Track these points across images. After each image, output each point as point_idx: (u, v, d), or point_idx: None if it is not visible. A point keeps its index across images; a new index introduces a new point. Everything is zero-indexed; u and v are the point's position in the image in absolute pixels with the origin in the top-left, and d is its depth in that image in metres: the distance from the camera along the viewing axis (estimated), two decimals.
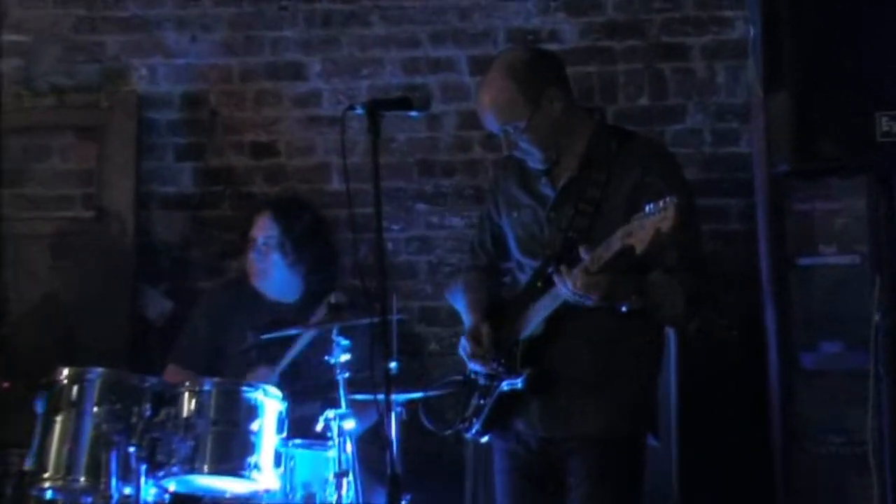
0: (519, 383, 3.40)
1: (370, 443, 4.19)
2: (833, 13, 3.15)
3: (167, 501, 3.86)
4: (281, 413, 3.97)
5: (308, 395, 4.35)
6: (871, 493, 3.32)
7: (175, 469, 3.77)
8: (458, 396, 3.66)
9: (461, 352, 3.56)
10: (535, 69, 3.46)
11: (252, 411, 3.87)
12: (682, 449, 4.41)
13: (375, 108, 3.24)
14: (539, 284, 3.43)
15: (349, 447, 3.93)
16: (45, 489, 3.82)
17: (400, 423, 4.08)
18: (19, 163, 5.31)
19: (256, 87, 5.34)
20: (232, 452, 3.81)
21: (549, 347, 3.41)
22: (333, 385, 4.03)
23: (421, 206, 5.24)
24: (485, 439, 3.62)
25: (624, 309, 3.21)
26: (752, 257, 4.77)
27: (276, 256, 4.60)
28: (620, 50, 5.16)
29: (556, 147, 3.46)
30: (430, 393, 4.02)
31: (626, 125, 4.83)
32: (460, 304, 3.73)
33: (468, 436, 3.61)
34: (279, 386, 4.12)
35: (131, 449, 3.75)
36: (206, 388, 3.87)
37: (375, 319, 3.16)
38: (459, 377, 3.69)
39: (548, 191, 3.51)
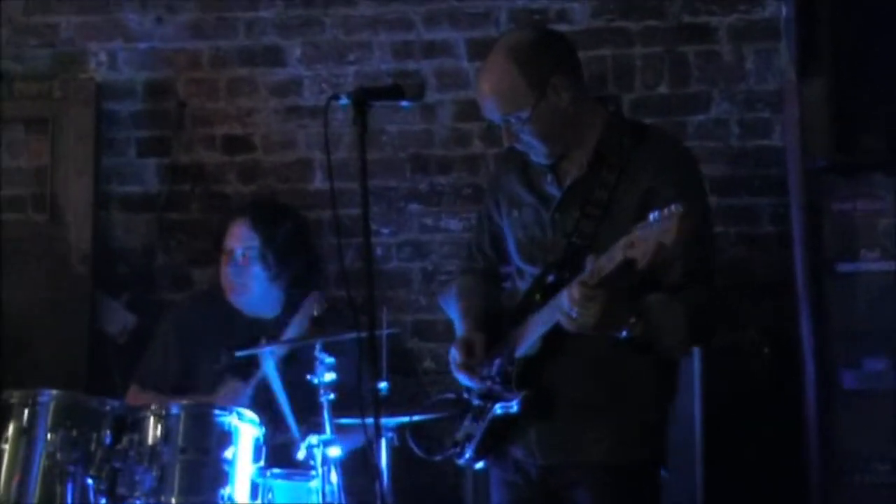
0: (514, 406, 3.39)
1: (358, 472, 4.18)
2: None
3: None
4: (258, 439, 3.96)
5: (288, 418, 4.35)
6: None
7: (138, 503, 3.75)
8: (452, 419, 3.66)
9: (450, 361, 3.56)
10: (540, 52, 3.45)
11: (225, 437, 3.86)
12: (708, 479, 4.41)
13: (363, 98, 3.23)
14: (538, 297, 3.42)
15: (334, 477, 3.93)
16: None
17: (390, 450, 4.08)
18: None
19: (229, 74, 5.35)
20: (202, 483, 3.80)
21: (548, 367, 3.40)
22: (317, 408, 4.02)
23: (414, 207, 5.24)
24: (479, 465, 3.62)
25: (624, 334, 3.20)
26: (786, 263, 4.77)
27: (256, 269, 4.57)
28: (637, 31, 5.17)
29: (562, 141, 3.45)
30: (421, 417, 4.02)
31: (645, 115, 4.88)
32: (453, 311, 3.73)
33: (460, 462, 3.60)
34: (255, 408, 4.11)
35: (89, 480, 3.75)
36: (174, 411, 3.87)
37: (363, 334, 3.15)
38: (451, 395, 3.69)
39: (553, 190, 3.51)
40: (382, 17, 5.29)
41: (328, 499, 3.90)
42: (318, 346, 4.05)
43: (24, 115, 5.37)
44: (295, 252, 4.62)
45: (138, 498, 3.75)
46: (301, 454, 3.98)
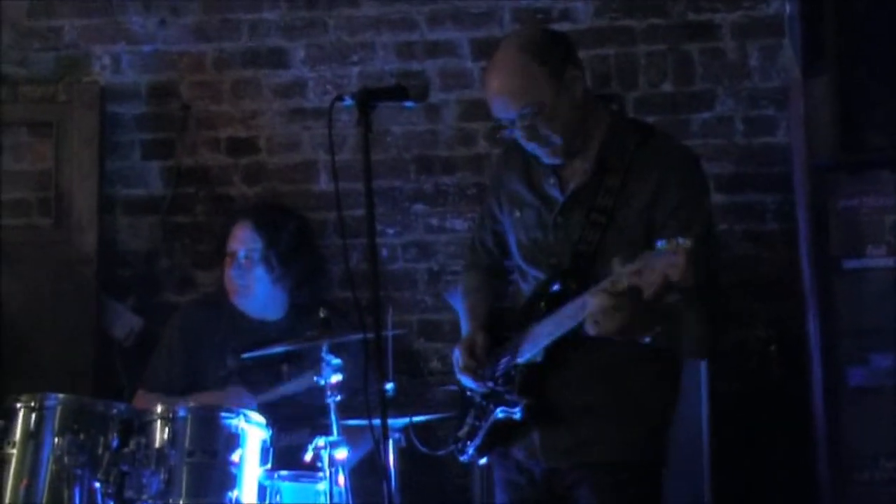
0: (517, 413, 3.40)
1: (365, 474, 4.18)
2: None
3: None
4: (265, 441, 3.97)
5: (295, 421, 4.35)
6: None
7: None
8: (456, 418, 3.67)
9: (453, 363, 3.56)
10: (554, 45, 3.46)
11: (232, 440, 3.87)
12: (715, 478, 4.41)
13: (367, 99, 3.24)
14: (542, 305, 3.42)
15: (341, 479, 3.93)
16: None
17: (398, 452, 4.08)
18: None
19: (233, 76, 5.35)
20: (210, 486, 3.81)
21: (550, 376, 3.41)
22: (323, 410, 4.02)
23: (419, 208, 5.24)
24: (483, 461, 3.63)
25: (647, 340, 3.19)
26: (792, 261, 4.77)
27: (259, 271, 4.58)
28: (641, 29, 5.17)
29: (577, 137, 3.43)
30: (426, 416, 4.02)
31: (649, 113, 4.88)
32: (459, 308, 3.74)
33: (462, 459, 3.61)
34: (262, 411, 4.11)
35: (97, 484, 3.76)
36: (181, 414, 3.87)
37: (369, 335, 3.15)
38: (453, 387, 3.69)
39: (555, 192, 3.50)
40: (386, 18, 5.29)
41: (335, 500, 3.90)
42: (324, 348, 4.05)
43: (28, 118, 5.37)
44: (298, 253, 4.63)
45: (146, 501, 3.75)
46: (308, 456, 3.98)
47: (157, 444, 3.82)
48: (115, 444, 3.82)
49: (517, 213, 3.59)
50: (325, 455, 3.92)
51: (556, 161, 3.48)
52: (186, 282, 5.30)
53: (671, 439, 3.49)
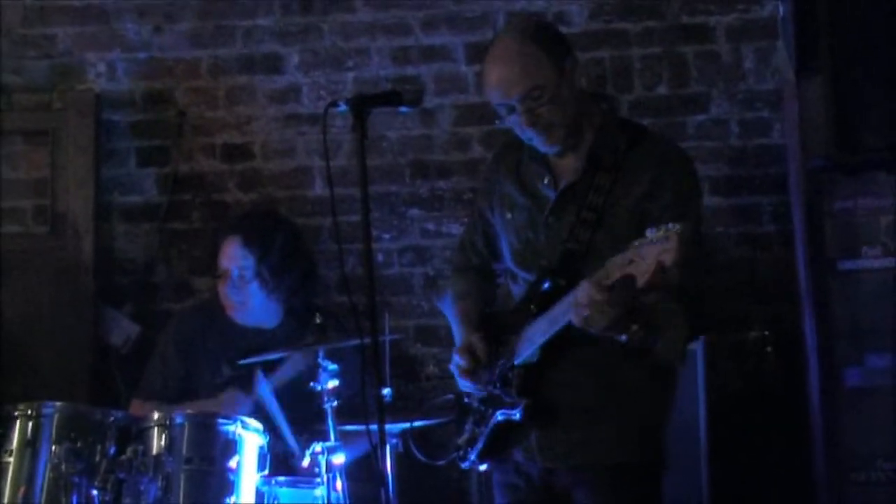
0: (516, 415, 3.40)
1: (362, 479, 4.18)
2: None
3: None
4: (262, 448, 3.97)
5: (292, 426, 4.34)
6: None
7: None
8: (453, 423, 3.66)
9: (452, 368, 3.56)
10: (553, 33, 3.49)
11: (229, 446, 3.87)
12: (713, 479, 4.41)
13: (362, 104, 3.24)
14: (532, 308, 3.42)
15: (339, 484, 3.93)
16: None
17: (395, 456, 4.08)
18: None
19: (228, 82, 5.36)
20: (207, 493, 3.80)
21: (547, 376, 3.41)
22: (320, 415, 4.03)
23: (414, 212, 5.24)
24: (483, 467, 3.63)
25: (623, 339, 3.20)
26: (788, 262, 4.78)
27: (254, 287, 4.55)
28: (636, 32, 5.18)
29: (574, 127, 3.44)
30: (423, 422, 4.02)
31: (644, 116, 4.88)
32: (451, 313, 3.73)
33: (464, 466, 3.61)
34: (258, 417, 4.11)
35: (94, 491, 3.75)
36: (178, 421, 3.87)
37: (366, 340, 3.15)
38: (451, 396, 3.69)
39: (548, 192, 3.51)
40: (380, 23, 5.29)
41: None
42: (320, 354, 4.05)
43: (24, 126, 5.37)
44: (290, 263, 4.60)
45: None
46: (306, 462, 3.98)
47: (154, 451, 3.81)
48: (112, 451, 3.81)
49: (509, 215, 3.60)
50: (322, 460, 3.93)
51: (554, 150, 3.47)
52: (183, 289, 5.30)
53: (669, 440, 3.49)
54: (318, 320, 4.17)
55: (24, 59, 5.39)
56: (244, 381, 4.43)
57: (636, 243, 2.97)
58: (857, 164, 4.08)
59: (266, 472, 3.95)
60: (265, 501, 3.94)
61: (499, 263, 3.74)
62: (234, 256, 4.56)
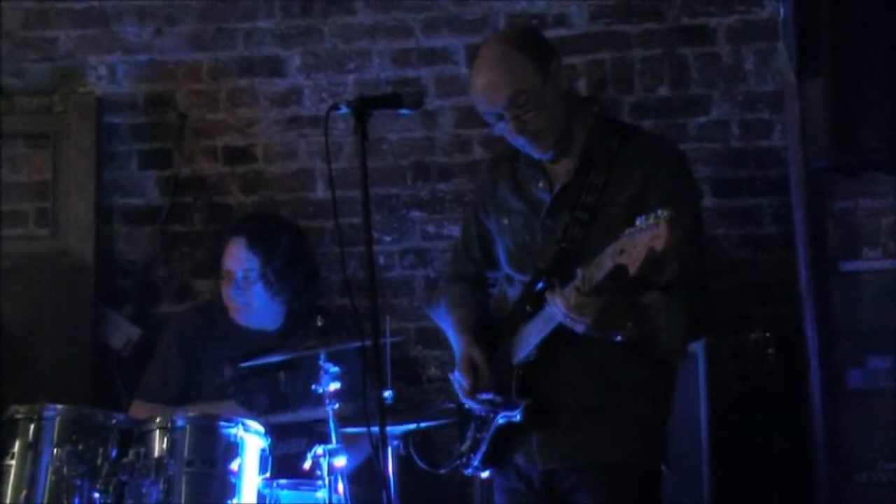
0: (517, 416, 3.39)
1: (364, 482, 4.18)
2: None
3: None
4: (263, 450, 3.97)
5: (294, 429, 4.35)
6: None
7: None
8: (455, 427, 3.66)
9: (455, 387, 3.56)
10: (537, 39, 3.50)
11: (231, 449, 3.86)
12: (715, 480, 4.41)
13: (363, 107, 3.25)
14: (528, 308, 3.42)
15: (341, 487, 3.93)
16: None
17: (396, 459, 4.08)
18: None
19: (229, 85, 5.36)
20: (209, 495, 3.80)
21: (545, 375, 3.41)
22: (322, 418, 4.02)
23: (416, 215, 5.24)
24: (485, 474, 3.62)
25: (619, 339, 3.20)
26: (789, 263, 4.77)
27: (258, 289, 4.56)
28: (636, 34, 5.17)
29: (564, 132, 3.44)
30: (425, 424, 4.01)
31: (645, 118, 4.89)
32: (446, 322, 3.73)
33: (466, 472, 3.61)
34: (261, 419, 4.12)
35: (96, 494, 3.75)
36: (180, 423, 3.87)
37: (367, 343, 3.15)
38: (451, 405, 3.69)
39: (543, 195, 3.51)
40: (381, 25, 5.29)
41: None
42: (321, 356, 4.04)
43: (25, 129, 5.37)
44: (294, 266, 4.61)
45: None
46: (307, 464, 3.98)
47: (155, 454, 3.81)
48: (114, 454, 3.81)
49: (505, 221, 3.60)
50: (323, 463, 3.93)
51: (547, 155, 3.48)
52: (185, 291, 5.30)
53: (670, 440, 3.49)
54: (319, 323, 4.17)
55: (25, 61, 5.39)
56: (245, 383, 4.43)
57: (627, 232, 2.97)
58: (857, 164, 4.09)
59: (267, 474, 3.95)
60: (267, 503, 3.94)
61: (494, 271, 3.74)
62: (239, 258, 4.57)
